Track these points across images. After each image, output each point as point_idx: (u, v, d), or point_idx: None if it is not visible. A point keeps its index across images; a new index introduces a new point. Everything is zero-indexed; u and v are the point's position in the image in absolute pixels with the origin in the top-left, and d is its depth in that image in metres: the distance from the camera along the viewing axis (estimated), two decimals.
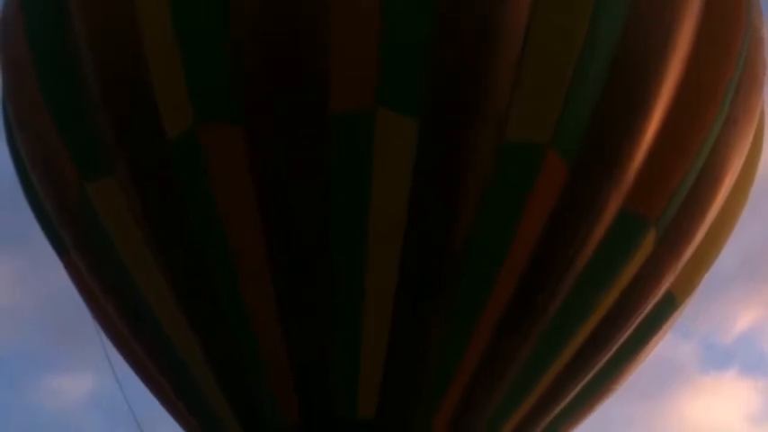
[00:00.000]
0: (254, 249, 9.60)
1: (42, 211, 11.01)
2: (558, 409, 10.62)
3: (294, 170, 9.43)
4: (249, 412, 10.23)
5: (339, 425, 9.90)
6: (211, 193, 9.57)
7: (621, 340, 10.56)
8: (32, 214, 11.32)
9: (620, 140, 9.69)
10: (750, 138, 10.90)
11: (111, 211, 10.10)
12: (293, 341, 9.75)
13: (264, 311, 9.72)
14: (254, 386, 10.05)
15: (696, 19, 10.03)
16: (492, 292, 9.65)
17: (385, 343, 9.66)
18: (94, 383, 26.10)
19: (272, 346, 9.79)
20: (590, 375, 10.59)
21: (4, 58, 11.07)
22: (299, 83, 9.33)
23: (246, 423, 10.30)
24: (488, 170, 9.40)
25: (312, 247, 9.55)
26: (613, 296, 10.15)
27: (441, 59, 9.25)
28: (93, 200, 10.19)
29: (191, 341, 10.16)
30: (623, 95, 9.64)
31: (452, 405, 9.94)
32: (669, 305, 10.92)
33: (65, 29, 10.12)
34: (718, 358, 29.23)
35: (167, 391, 11.02)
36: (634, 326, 10.58)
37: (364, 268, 9.50)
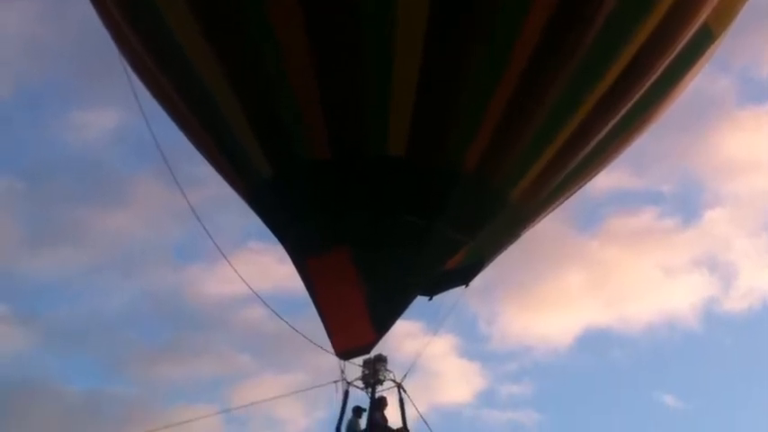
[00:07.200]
0: None
1: None
2: (596, 141, 10.60)
3: None
4: (279, 148, 10.19)
5: (370, 162, 9.94)
6: None
7: (659, 72, 10.45)
8: None
9: None
10: None
11: None
12: (325, 77, 9.63)
13: (296, 46, 9.55)
14: (285, 122, 9.96)
15: None
16: (526, 19, 9.45)
17: (415, 80, 9.57)
18: (120, 118, 25.82)
19: (304, 81, 9.68)
20: (627, 107, 10.52)
21: None
22: None
23: (275, 159, 10.29)
24: None
25: None
26: (650, 26, 9.95)
27: None
28: None
29: (219, 75, 10.00)
30: None
31: (486, 141, 9.91)
32: (706, 37, 10.77)
33: None
34: (755, 92, 28.82)
35: (194, 125, 10.91)
36: (671, 57, 10.45)
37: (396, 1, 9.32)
